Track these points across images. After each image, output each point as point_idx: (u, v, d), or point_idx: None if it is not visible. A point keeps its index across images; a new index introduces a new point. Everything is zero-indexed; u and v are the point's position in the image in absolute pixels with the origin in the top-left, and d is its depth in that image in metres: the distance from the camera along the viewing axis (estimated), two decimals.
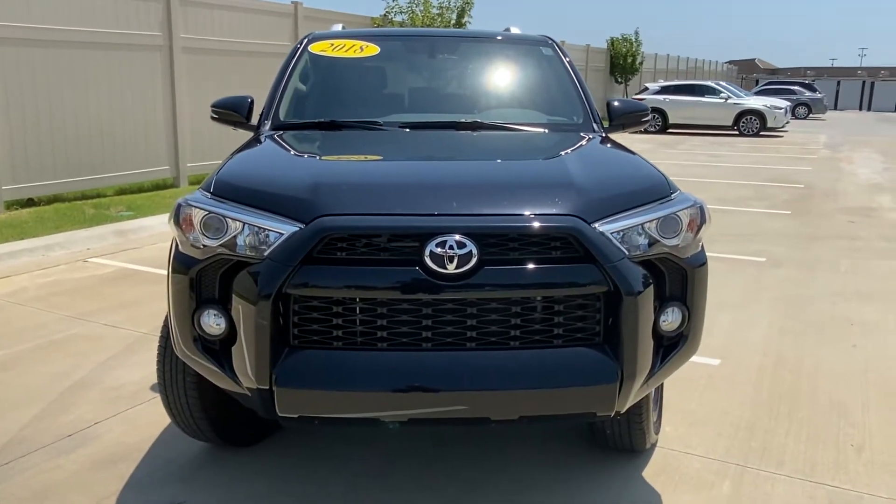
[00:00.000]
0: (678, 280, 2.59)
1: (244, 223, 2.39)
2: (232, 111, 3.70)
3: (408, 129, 3.47)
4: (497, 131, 3.49)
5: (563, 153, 3.01)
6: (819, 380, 4.07)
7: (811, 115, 32.57)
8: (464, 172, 2.85)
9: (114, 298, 5.41)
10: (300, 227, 2.31)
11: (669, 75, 33.73)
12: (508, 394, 2.34)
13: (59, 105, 8.53)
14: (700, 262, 2.63)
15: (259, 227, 2.37)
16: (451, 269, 2.27)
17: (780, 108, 22.21)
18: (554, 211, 2.40)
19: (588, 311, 2.41)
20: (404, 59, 4.02)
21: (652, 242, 2.52)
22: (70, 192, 8.84)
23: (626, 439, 3.04)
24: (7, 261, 6.33)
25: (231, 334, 2.43)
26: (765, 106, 22.17)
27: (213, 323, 2.46)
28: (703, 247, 2.71)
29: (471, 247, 2.28)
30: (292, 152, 3.09)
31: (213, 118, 3.82)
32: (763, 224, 8.68)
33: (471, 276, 2.28)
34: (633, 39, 27.37)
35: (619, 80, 27.36)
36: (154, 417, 3.46)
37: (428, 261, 2.27)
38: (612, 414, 2.45)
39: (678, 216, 2.57)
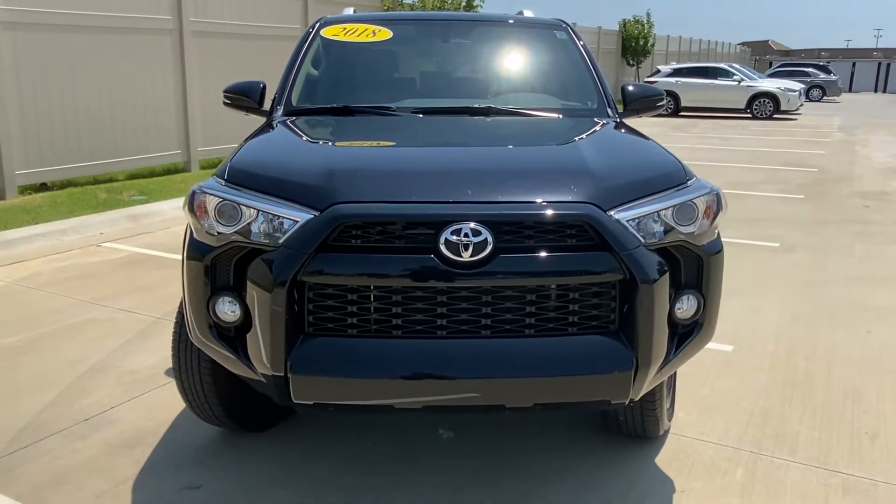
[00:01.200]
0: (694, 268, 2.57)
1: (259, 210, 2.39)
2: (244, 96, 3.70)
3: (421, 115, 3.45)
4: (511, 117, 3.47)
5: (577, 139, 2.99)
6: (833, 366, 4.05)
7: (825, 98, 32.25)
8: (479, 159, 2.83)
9: (127, 283, 5.45)
10: (315, 215, 2.31)
11: (682, 57, 33.43)
12: (523, 381, 2.34)
13: (70, 90, 8.54)
14: (716, 249, 2.62)
15: (274, 215, 2.37)
16: (465, 256, 2.26)
17: (794, 91, 21.98)
18: (569, 198, 2.38)
19: (603, 298, 2.41)
20: (417, 43, 3.99)
21: (668, 230, 2.50)
22: (82, 177, 8.87)
23: (639, 426, 3.04)
24: (22, 246, 6.37)
25: (246, 321, 2.44)
26: (778, 88, 21.94)
27: (227, 310, 2.46)
28: (718, 234, 2.69)
29: (486, 234, 2.27)
30: (306, 138, 3.08)
31: (225, 103, 3.82)
32: (776, 208, 8.61)
33: (486, 263, 2.28)
34: (645, 21, 27.09)
35: (631, 62, 27.13)
36: (169, 402, 3.49)
37: (443, 248, 2.26)
38: (627, 402, 2.45)
39: (694, 203, 2.55)
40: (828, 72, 33.60)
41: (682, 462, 3.06)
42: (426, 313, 2.34)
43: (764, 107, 21.75)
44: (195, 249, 2.51)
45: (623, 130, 3.31)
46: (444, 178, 2.52)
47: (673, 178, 2.63)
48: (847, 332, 4.58)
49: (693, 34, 37.21)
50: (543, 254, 2.33)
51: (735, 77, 22.16)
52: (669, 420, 3.22)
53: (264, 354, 2.35)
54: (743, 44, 53.15)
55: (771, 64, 43.33)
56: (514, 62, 3.99)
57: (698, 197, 2.57)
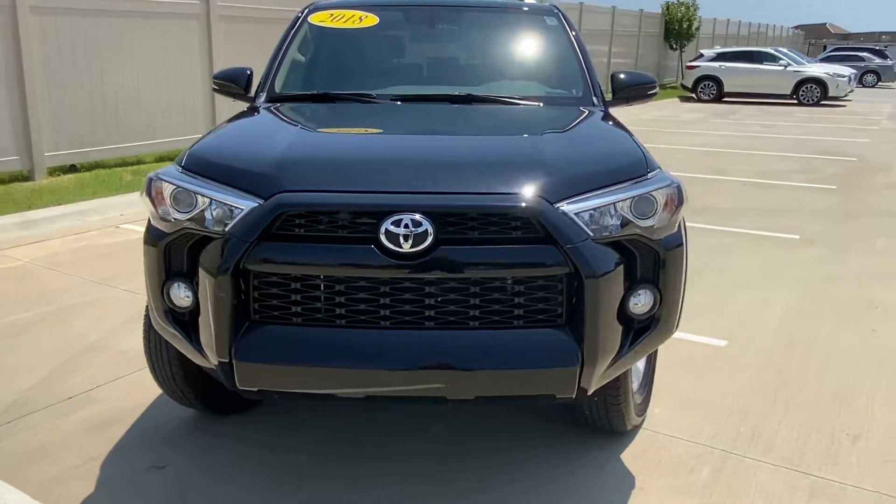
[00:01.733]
0: (650, 262, 2.52)
1: (210, 198, 2.42)
2: (231, 83, 3.73)
3: (399, 102, 3.44)
4: (490, 105, 3.43)
5: (544, 129, 2.94)
6: (829, 365, 3.93)
7: (880, 83, 31.06)
8: (433, 148, 2.81)
9: (138, 264, 5.56)
10: (260, 203, 2.33)
11: (729, 41, 32.54)
12: (464, 373, 2.33)
13: (99, 73, 8.74)
14: (675, 243, 2.56)
15: (223, 203, 2.40)
16: (406, 248, 2.25)
17: (844, 77, 21.21)
18: (515, 190, 2.35)
19: (550, 292, 2.37)
20: (404, 29, 3.97)
21: (625, 223, 2.45)
22: (111, 159, 9.09)
23: (604, 421, 3.00)
24: (44, 226, 6.58)
25: (198, 307, 2.47)
26: (826, 74, 21.21)
27: (181, 295, 2.51)
28: (681, 228, 2.62)
29: (427, 226, 2.26)
30: (271, 126, 3.08)
31: (214, 90, 3.87)
32: (803, 199, 8.36)
33: (426, 255, 2.27)
34: (690, 3, 26.40)
35: (674, 46, 26.51)
36: (153, 382, 3.56)
37: (383, 239, 2.26)
38: (574, 396, 2.42)
39: (653, 196, 2.50)
40: (884, 56, 32.29)
41: (648, 458, 3.01)
42: (369, 303, 2.34)
43: (811, 93, 21.06)
44: (152, 235, 2.56)
45: (598, 120, 3.25)
46: (391, 167, 2.51)
47: (632, 169, 2.58)
48: (851, 330, 4.43)
49: (745, 17, 36.01)
50: (487, 246, 2.31)
51: (781, 62, 21.49)
52: (640, 415, 3.17)
53: (211, 341, 2.39)
54: (798, 27, 51.45)
55: (825, 48, 41.86)
56: (501, 49, 3.94)
57: (657, 190, 2.51)
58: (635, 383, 3.18)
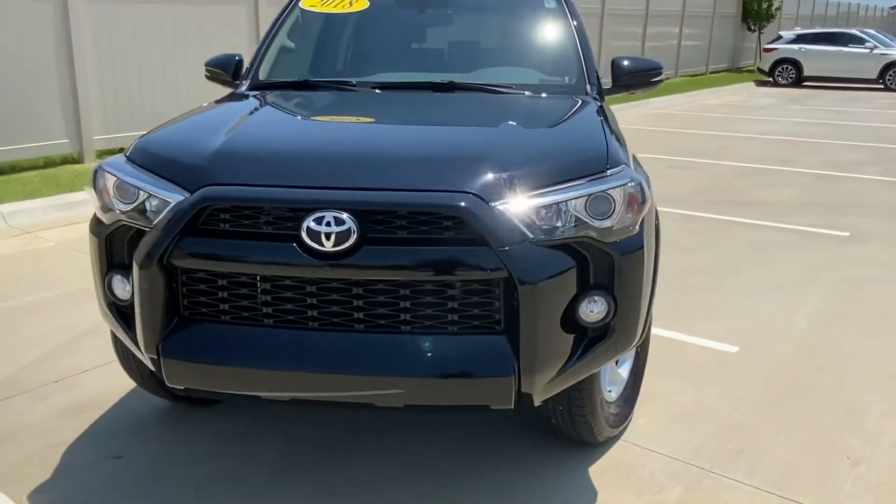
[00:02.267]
0: (605, 267, 2.33)
1: (147, 191, 2.37)
2: (220, 70, 3.69)
3: (378, 91, 3.32)
4: (470, 92, 3.26)
5: (508, 120, 2.75)
6: (846, 378, 3.61)
7: None
8: (376, 141, 2.67)
9: None
10: (186, 197, 2.26)
11: (815, 22, 30.82)
12: (392, 379, 2.21)
13: (148, 59, 8.94)
14: (633, 247, 2.35)
15: (157, 196, 2.35)
16: (328, 246, 2.14)
17: None
18: (447, 187, 2.21)
19: (486, 297, 2.22)
20: (394, 13, 3.83)
21: (579, 224, 2.27)
22: None
23: (572, 431, 2.83)
24: (82, 208, 6.76)
25: None
26: None
27: (123, 288, 2.48)
28: (644, 230, 2.41)
29: (350, 223, 2.14)
30: (226, 116, 2.98)
31: (206, 77, 3.83)
32: (867, 193, 7.80)
33: (350, 254, 2.15)
34: None
35: (752, 27, 25.25)
36: None
37: (305, 237, 2.15)
38: (513, 407, 2.27)
39: (610, 195, 2.30)
40: None
41: (617, 473, 2.82)
42: (296, 303, 2.25)
43: None
44: (96, 226, 2.54)
45: (576, 110, 3.03)
46: (322, 161, 2.39)
47: (590, 165, 2.38)
48: (883, 340, 4.07)
49: None
50: (416, 247, 2.17)
51: (867, 44, 20.18)
52: (617, 425, 2.97)
53: (141, 336, 2.35)
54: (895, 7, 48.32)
55: None
56: (493, 34, 3.76)
57: (615, 188, 2.32)
58: (613, 392, 2.99)
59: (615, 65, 3.51)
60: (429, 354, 2.21)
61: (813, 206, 7.19)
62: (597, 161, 2.40)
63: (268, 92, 3.35)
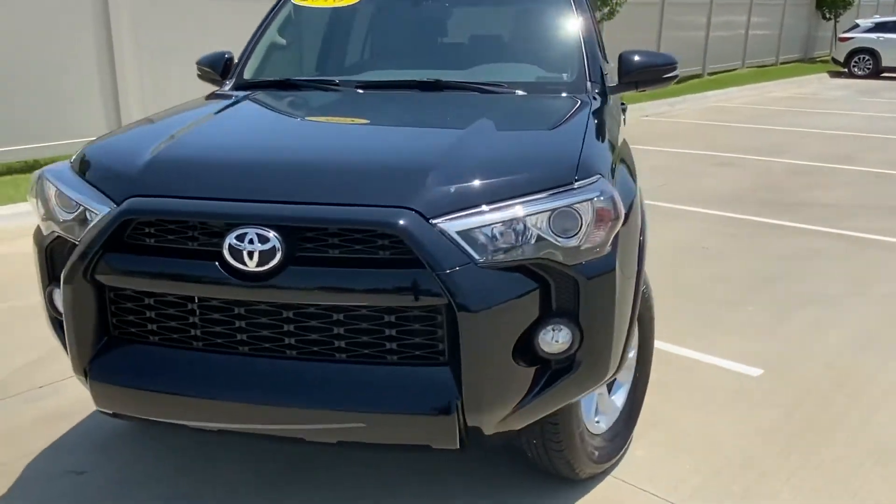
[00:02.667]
0: (568, 292, 2.06)
1: (80, 202, 2.23)
2: (210, 69, 3.55)
3: (360, 91, 3.11)
4: (455, 92, 3.00)
5: (482, 124, 2.49)
6: (880, 411, 3.23)
7: None
8: (320, 149, 2.42)
9: None
10: (111, 209, 2.10)
11: None
12: (323, 413, 2.01)
13: (186, 55, 8.94)
14: (602, 269, 2.08)
15: (87, 207, 2.20)
16: (251, 266, 1.95)
17: None
18: (384, 201, 1.98)
19: (428, 324, 2.00)
20: (388, 7, 3.60)
21: (541, 242, 2.02)
22: None
23: (549, 466, 2.57)
24: None
25: None
26: None
27: (60, 302, 2.35)
28: (615, 249, 2.13)
29: (275, 241, 1.94)
30: (178, 121, 2.77)
31: (198, 76, 3.70)
32: None
33: (275, 275, 1.95)
34: None
35: (828, 16, 23.94)
36: None
37: (227, 255, 1.96)
38: (460, 448, 2.03)
39: (575, 210, 2.04)
40: None
41: None
42: (225, 326, 2.07)
43: None
44: (37, 235, 2.42)
45: (566, 111, 2.75)
46: (252, 171, 2.19)
47: (555, 177, 2.11)
48: None
49: None
50: (346, 268, 1.96)
51: None
52: (604, 461, 2.69)
53: (70, 355, 2.21)
54: None
55: None
56: (490, 28, 3.49)
57: (581, 202, 2.05)
58: (602, 423, 2.72)
59: (622, 60, 3.20)
60: (363, 387, 2.00)
61: (868, 209, 6.65)
62: (564, 171, 2.12)
63: (245, 92, 3.18)
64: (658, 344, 3.81)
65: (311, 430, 2.04)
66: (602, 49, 3.35)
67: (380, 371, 2.01)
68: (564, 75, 3.14)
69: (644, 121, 12.16)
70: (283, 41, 3.58)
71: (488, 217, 1.99)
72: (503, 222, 2.00)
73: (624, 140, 3.00)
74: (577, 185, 2.10)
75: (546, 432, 2.41)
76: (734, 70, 20.01)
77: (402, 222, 1.91)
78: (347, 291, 1.96)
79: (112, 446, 3.00)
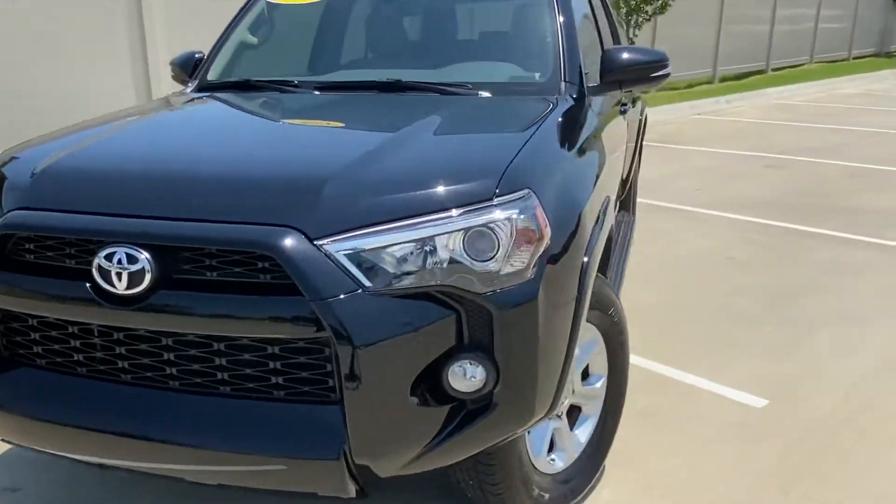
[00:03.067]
0: (482, 323, 1.81)
1: None
2: (181, 69, 3.42)
3: (316, 92, 2.91)
4: (414, 93, 2.76)
5: (402, 131, 2.23)
6: (891, 452, 2.84)
7: None
8: (214, 159, 2.17)
9: None
10: None
11: None
12: (201, 453, 1.81)
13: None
14: (521, 298, 1.81)
15: None
16: (120, 288, 1.77)
17: None
18: (265, 218, 1.77)
19: (315, 358, 1.78)
20: (359, 5, 3.39)
21: (452, 265, 1.77)
22: None
23: None
24: None
25: None
26: None
27: None
28: (540, 275, 1.86)
29: (144, 262, 1.76)
30: (100, 127, 2.60)
31: (172, 77, 3.57)
32: None
33: (145, 299, 1.77)
34: None
35: None
36: None
37: (96, 275, 1.79)
38: (354, 496, 1.81)
39: (491, 230, 1.79)
40: None
41: None
42: (105, 351, 1.90)
43: None
44: None
45: (522, 115, 2.48)
46: (131, 183, 1.99)
47: (473, 190, 1.85)
48: None
49: None
50: (224, 293, 1.76)
51: None
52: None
53: None
54: None
55: None
56: (463, 25, 3.22)
57: (499, 220, 1.79)
58: (559, 461, 2.45)
59: (605, 57, 2.91)
60: (244, 425, 1.79)
61: None
62: (483, 184, 1.86)
63: (200, 94, 3.02)
64: (656, 367, 3.52)
65: (188, 471, 1.85)
66: (611, 44, 3.05)
67: (265, 408, 1.81)
68: (537, 76, 2.86)
69: (696, 119, 11.62)
70: (254, 40, 3.41)
71: (387, 237, 1.76)
72: (405, 243, 1.76)
73: (624, 143, 2.71)
74: (496, 200, 1.84)
75: (480, 472, 2.16)
76: (801, 65, 19.05)
77: (279, 242, 1.70)
78: (225, 319, 1.76)
79: (50, 464, 2.88)
